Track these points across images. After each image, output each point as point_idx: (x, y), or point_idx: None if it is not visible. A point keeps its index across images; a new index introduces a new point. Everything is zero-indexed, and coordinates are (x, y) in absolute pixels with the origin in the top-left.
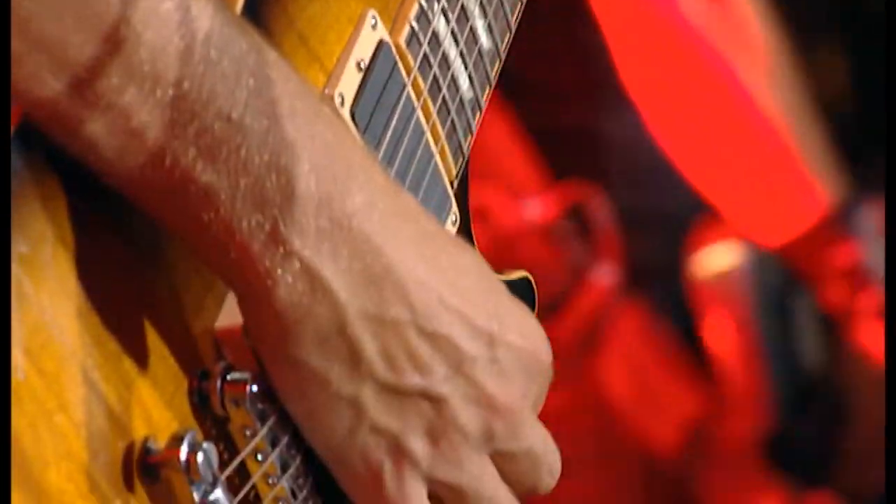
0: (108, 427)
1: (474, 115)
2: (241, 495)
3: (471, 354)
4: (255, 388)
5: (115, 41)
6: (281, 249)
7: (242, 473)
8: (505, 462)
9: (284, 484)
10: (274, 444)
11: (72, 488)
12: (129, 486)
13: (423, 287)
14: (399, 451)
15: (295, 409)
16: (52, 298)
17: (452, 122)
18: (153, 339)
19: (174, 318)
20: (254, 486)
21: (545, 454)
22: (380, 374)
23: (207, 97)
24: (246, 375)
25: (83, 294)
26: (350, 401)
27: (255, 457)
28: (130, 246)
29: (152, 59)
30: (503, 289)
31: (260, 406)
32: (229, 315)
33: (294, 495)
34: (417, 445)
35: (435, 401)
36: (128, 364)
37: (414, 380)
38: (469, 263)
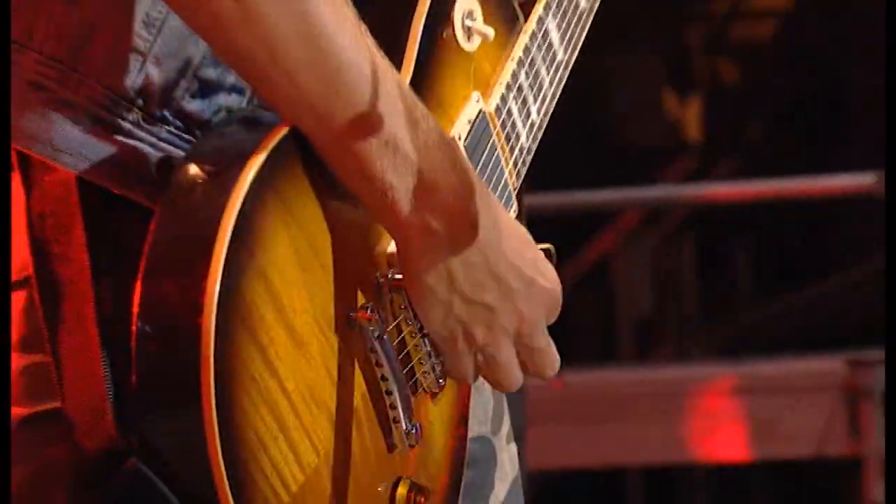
0: (330, 300)
1: (529, 155)
2: (396, 341)
3: (516, 289)
4: None
5: (368, 117)
6: (417, 223)
7: (401, 336)
8: (525, 353)
9: (425, 343)
10: (417, 317)
11: (308, 328)
12: (339, 328)
13: (497, 252)
14: (469, 333)
15: (416, 304)
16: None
17: (515, 156)
18: (354, 265)
19: (365, 251)
20: (405, 342)
21: (550, 354)
22: (465, 292)
23: (397, 137)
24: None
25: (308, 251)
26: (446, 303)
27: (406, 322)
28: (338, 218)
29: (382, 123)
30: (540, 253)
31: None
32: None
33: (430, 356)
34: (479, 331)
35: (491, 310)
36: (341, 271)
37: (482, 297)
38: (524, 240)
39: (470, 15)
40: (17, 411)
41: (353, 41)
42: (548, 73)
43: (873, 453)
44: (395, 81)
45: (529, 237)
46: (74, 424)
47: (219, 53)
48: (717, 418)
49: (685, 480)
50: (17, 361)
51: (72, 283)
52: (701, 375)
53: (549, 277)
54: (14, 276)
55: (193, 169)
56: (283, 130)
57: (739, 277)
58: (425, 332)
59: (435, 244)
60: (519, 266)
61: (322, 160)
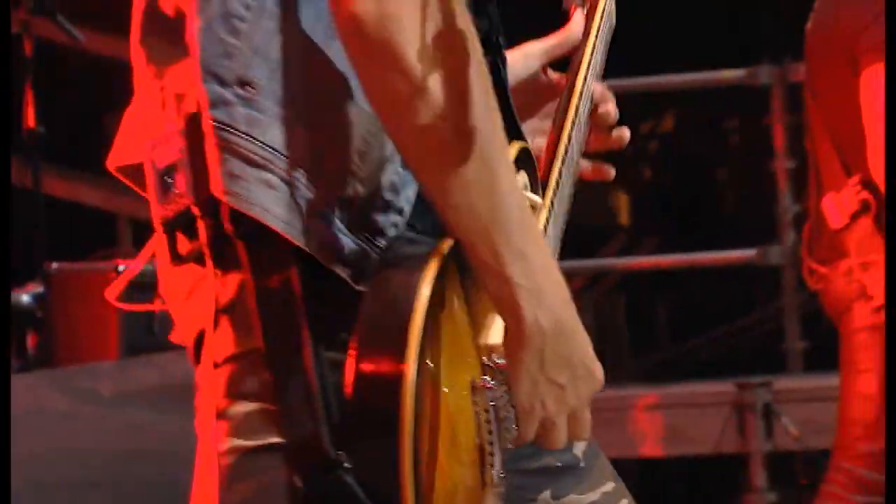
0: (464, 371)
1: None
2: (500, 407)
3: (580, 375)
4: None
5: (514, 233)
6: (531, 319)
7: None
8: (572, 422)
9: (510, 411)
10: (508, 391)
11: (453, 389)
12: (468, 392)
13: (573, 345)
14: (544, 405)
15: (513, 379)
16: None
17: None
18: (475, 347)
19: (479, 338)
20: (497, 406)
21: (588, 424)
22: (549, 373)
23: (528, 252)
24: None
25: (449, 324)
26: (535, 381)
27: (501, 394)
28: (471, 311)
29: (522, 239)
30: (591, 347)
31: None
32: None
33: (511, 421)
34: (550, 404)
35: (563, 389)
36: (463, 347)
37: (559, 378)
38: (587, 338)
39: (525, 187)
40: (245, 444)
41: (512, 174)
42: (559, 224)
43: (756, 451)
44: (529, 207)
45: (585, 334)
46: (296, 449)
47: (422, 176)
48: (643, 426)
49: (619, 471)
50: (247, 406)
51: (294, 343)
52: (631, 395)
53: (598, 368)
54: (246, 347)
55: (390, 271)
56: (445, 248)
57: (658, 324)
58: (512, 403)
59: (537, 335)
60: (584, 358)
61: (471, 265)
